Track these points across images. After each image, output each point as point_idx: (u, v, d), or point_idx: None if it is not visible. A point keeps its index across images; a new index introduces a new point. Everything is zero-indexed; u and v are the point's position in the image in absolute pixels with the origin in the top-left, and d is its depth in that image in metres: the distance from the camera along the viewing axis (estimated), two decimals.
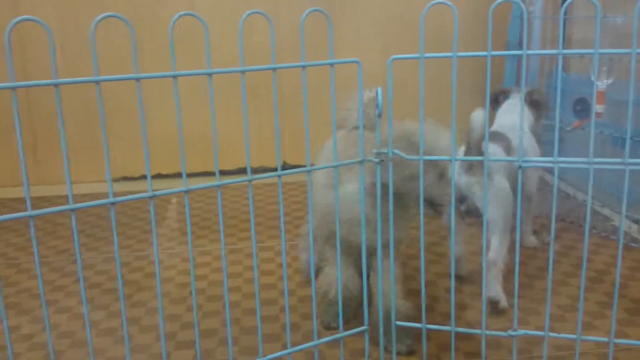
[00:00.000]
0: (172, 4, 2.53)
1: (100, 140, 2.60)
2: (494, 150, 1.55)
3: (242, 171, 2.71)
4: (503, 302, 1.50)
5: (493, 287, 1.49)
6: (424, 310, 1.16)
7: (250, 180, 1.01)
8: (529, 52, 0.94)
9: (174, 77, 0.90)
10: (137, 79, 0.87)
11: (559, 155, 0.97)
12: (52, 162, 2.64)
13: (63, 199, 2.48)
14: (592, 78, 1.86)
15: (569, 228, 2.07)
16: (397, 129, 1.16)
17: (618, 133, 1.93)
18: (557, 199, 2.26)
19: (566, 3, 0.91)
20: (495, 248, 1.51)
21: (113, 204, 0.90)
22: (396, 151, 1.07)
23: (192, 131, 2.57)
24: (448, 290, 1.63)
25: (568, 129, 2.01)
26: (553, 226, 1.02)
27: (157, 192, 0.93)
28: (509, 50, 2.26)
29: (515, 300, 1.14)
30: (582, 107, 2.02)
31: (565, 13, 2.42)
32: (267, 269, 1.81)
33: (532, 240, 1.95)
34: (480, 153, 1.37)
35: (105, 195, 0.91)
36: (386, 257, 1.28)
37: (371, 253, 1.26)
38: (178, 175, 2.68)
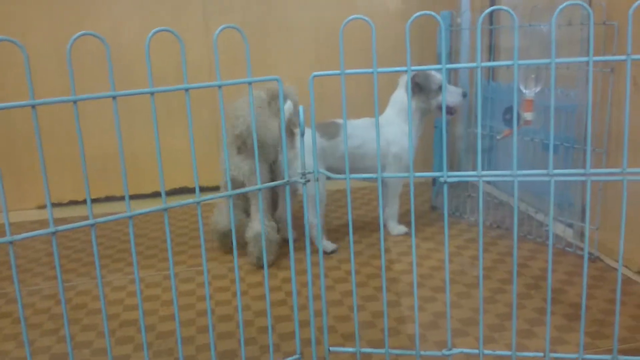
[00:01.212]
0: (98, 24, 2.45)
1: (35, 164, 2.48)
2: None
3: (178, 191, 2.63)
4: (332, 247, 2.00)
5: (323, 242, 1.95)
6: (357, 334, 1.12)
7: (199, 202, 0.96)
8: (449, 66, 0.93)
9: (114, 97, 0.85)
10: (74, 101, 0.82)
11: (491, 164, 0.95)
12: None
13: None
14: (521, 87, 1.89)
15: (504, 235, 2.09)
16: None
17: (548, 139, 1.97)
18: (490, 207, 2.28)
19: (484, 13, 0.90)
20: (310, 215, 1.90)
21: (93, 225, 0.84)
22: (322, 170, 1.04)
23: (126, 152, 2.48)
24: (389, 304, 1.60)
25: (498, 137, 2.04)
26: (481, 245, 1.01)
27: (99, 220, 0.88)
28: (439, 61, 2.28)
29: (448, 319, 1.12)
30: (511, 116, 2.05)
31: (492, 23, 2.47)
32: (187, 289, 1.74)
33: (399, 228, 2.16)
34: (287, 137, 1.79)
35: (38, 223, 0.84)
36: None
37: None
38: (116, 198, 2.60)
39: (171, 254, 0.98)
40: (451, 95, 2.08)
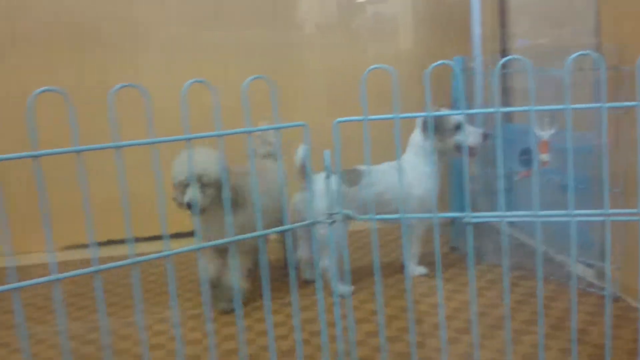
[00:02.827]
0: (118, 75, 2.54)
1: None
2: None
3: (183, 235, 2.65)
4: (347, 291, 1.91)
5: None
6: None
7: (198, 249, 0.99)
8: (468, 111, 0.97)
9: (117, 147, 0.89)
10: (78, 152, 0.86)
11: (510, 205, 0.98)
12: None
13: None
14: (535, 130, 1.92)
15: (525, 276, 2.09)
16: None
17: (565, 181, 1.98)
18: (511, 248, 2.29)
19: (500, 62, 0.94)
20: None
21: (97, 271, 0.88)
22: (347, 211, 1.07)
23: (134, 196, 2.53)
24: (409, 345, 1.61)
25: (516, 179, 2.06)
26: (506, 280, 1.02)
27: (101, 267, 0.91)
28: (454, 105, 2.32)
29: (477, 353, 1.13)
30: (528, 157, 2.08)
31: (504, 67, 2.52)
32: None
33: (419, 269, 2.18)
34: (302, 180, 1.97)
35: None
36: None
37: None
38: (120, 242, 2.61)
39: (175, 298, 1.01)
40: (470, 136, 2.07)
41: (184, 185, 1.81)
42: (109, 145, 0.91)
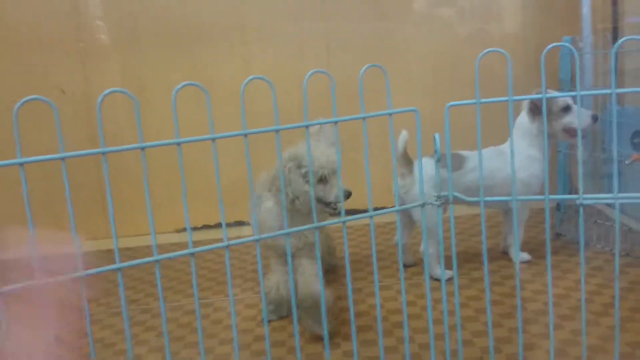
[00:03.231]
0: (227, 71, 2.66)
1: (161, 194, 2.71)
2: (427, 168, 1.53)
3: None
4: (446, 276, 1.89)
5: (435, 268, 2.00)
6: (492, 346, 1.15)
7: (344, 222, 1.05)
8: (583, 92, 0.96)
9: (213, 139, 0.97)
10: (178, 144, 0.94)
11: (620, 189, 0.97)
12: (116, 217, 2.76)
13: (132, 251, 2.58)
14: None
15: (634, 264, 2.02)
16: (291, 151, 1.65)
17: None
18: (620, 234, 2.21)
19: (618, 43, 0.93)
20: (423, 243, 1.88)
21: (192, 254, 0.96)
22: (457, 194, 1.09)
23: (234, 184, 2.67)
24: (514, 330, 1.61)
25: (627, 162, 1.98)
26: (617, 262, 1.01)
27: (231, 242, 0.99)
28: (562, 87, 2.26)
29: (583, 328, 1.13)
30: (638, 140, 2.00)
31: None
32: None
33: (522, 256, 2.14)
34: (403, 166, 1.98)
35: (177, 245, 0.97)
36: (305, 257, 1.73)
37: (294, 254, 1.71)
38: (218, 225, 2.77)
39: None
40: (578, 118, 1.99)
41: (317, 180, 1.64)
42: (206, 137, 0.96)
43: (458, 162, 2.02)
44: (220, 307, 1.96)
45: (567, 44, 0.91)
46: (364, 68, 0.95)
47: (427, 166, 1.53)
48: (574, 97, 2.20)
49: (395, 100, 2.72)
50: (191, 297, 2.06)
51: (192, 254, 0.98)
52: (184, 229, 2.78)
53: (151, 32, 2.67)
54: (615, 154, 0.96)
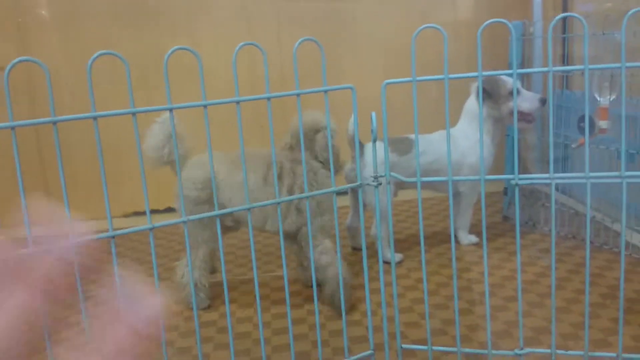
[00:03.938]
0: (174, 39, 2.60)
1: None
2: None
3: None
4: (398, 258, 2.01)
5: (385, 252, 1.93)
6: (429, 334, 1.15)
7: (249, 209, 1.02)
8: (519, 71, 0.95)
9: (170, 110, 0.92)
10: (133, 113, 0.89)
11: (566, 173, 0.97)
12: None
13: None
14: (596, 95, 1.86)
15: (580, 246, 2.05)
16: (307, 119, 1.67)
17: (625, 148, 1.93)
18: (566, 217, 2.24)
19: (554, 20, 0.92)
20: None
21: (113, 237, 0.92)
22: (394, 174, 1.08)
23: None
24: (460, 312, 1.62)
25: (573, 145, 2.01)
26: (553, 245, 1.02)
27: (156, 224, 0.95)
28: (511, 68, 2.27)
29: (520, 318, 1.13)
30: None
31: (565, 32, 2.44)
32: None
33: (470, 238, 2.17)
34: (354, 149, 1.89)
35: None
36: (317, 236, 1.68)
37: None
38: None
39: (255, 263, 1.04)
40: (526, 101, 2.00)
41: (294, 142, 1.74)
42: (126, 111, 0.91)
43: (407, 146, 2.02)
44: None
45: (504, 21, 0.90)
46: (297, 42, 0.92)
47: (377, 150, 1.52)
48: (523, 82, 2.22)
49: (347, 78, 2.69)
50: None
51: (113, 237, 0.93)
52: (133, 213, 2.71)
53: (94, 7, 2.58)
54: (551, 137, 0.96)
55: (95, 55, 0.81)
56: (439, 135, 2.07)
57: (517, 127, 2.15)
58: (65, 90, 2.57)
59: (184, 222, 0.98)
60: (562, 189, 2.43)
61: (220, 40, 2.60)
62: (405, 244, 2.19)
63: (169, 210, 2.65)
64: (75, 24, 2.59)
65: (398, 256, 2.03)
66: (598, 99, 1.86)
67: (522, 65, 2.28)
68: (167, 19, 2.62)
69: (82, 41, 2.59)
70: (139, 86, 2.55)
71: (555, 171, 0.99)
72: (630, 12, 0.88)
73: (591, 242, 2.04)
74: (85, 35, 2.59)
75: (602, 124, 1.87)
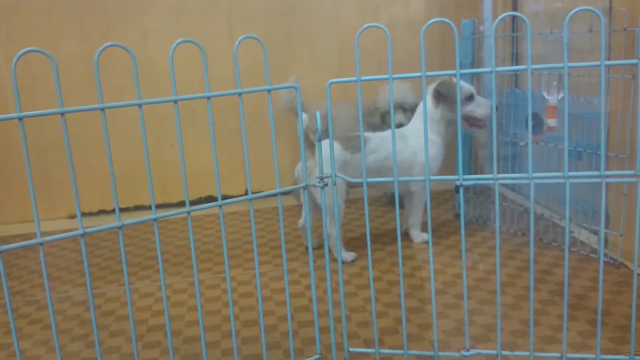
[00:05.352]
0: (126, 35, 2.53)
1: (52, 176, 2.55)
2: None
3: (205, 200, 2.68)
4: (351, 257, 2.02)
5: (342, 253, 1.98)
6: (376, 337, 1.14)
7: (220, 205, 1.00)
8: (463, 71, 0.95)
9: (139, 105, 0.89)
10: (102, 109, 0.86)
11: (514, 171, 0.97)
12: (4, 201, 2.58)
13: (19, 238, 2.41)
14: (544, 94, 1.89)
15: (528, 243, 2.08)
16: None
17: (572, 146, 1.96)
18: (515, 215, 2.27)
19: (498, 19, 0.92)
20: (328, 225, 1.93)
21: (83, 235, 0.88)
22: (339, 175, 1.06)
23: (135, 167, 2.56)
24: (412, 310, 1.61)
25: (521, 144, 2.03)
26: (498, 241, 1.02)
27: (126, 222, 0.91)
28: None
29: (466, 319, 1.13)
30: (535, 122, 2.05)
31: (514, 31, 2.47)
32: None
33: (422, 236, 2.18)
34: (306, 148, 1.90)
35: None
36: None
37: None
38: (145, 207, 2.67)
39: (195, 262, 1.01)
40: (480, 107, 2.03)
41: (382, 114, 2.35)
42: (133, 102, 0.91)
43: (358, 144, 2.01)
44: (113, 298, 1.85)
45: (447, 20, 0.89)
46: (238, 40, 0.89)
47: (327, 148, 1.51)
48: (471, 81, 2.23)
49: (302, 78, 2.64)
50: (82, 286, 1.94)
51: (83, 235, 0.89)
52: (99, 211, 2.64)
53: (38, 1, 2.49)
54: (494, 136, 0.96)
55: (21, 52, 0.77)
56: (390, 134, 2.06)
57: (469, 130, 2.17)
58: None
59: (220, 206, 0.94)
60: (511, 186, 2.47)
61: (169, 37, 2.55)
62: (359, 242, 2.18)
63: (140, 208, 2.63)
64: (18, 19, 2.50)
65: (351, 255, 2.02)
66: (546, 97, 1.89)
67: (473, 64, 2.30)
68: (114, 15, 2.55)
69: (23, 37, 2.50)
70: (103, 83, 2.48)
71: (505, 169, 0.99)
72: (571, 13, 0.88)
73: (540, 239, 2.09)
74: (26, 32, 2.50)
75: (550, 122, 1.90)
